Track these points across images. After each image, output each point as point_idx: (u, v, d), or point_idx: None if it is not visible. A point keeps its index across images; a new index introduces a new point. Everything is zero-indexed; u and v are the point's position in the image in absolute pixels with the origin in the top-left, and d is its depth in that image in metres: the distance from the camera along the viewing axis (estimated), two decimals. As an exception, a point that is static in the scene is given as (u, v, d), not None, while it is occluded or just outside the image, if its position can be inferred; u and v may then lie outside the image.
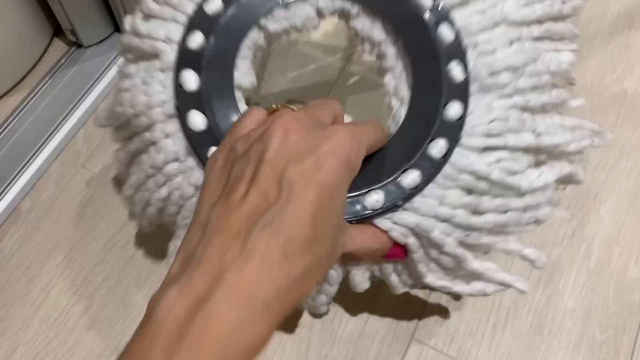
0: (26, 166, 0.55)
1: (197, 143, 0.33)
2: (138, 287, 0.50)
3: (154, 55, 0.34)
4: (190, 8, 0.34)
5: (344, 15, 0.36)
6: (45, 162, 0.55)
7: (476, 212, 0.33)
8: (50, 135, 0.56)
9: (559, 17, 0.37)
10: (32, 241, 0.52)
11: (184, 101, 0.33)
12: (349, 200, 0.31)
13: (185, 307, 0.22)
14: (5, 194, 0.53)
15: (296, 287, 0.23)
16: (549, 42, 0.37)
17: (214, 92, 0.33)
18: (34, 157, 0.55)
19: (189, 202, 0.34)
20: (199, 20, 0.34)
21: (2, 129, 0.57)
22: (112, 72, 0.60)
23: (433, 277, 0.36)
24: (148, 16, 0.35)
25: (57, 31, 0.63)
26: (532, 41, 0.35)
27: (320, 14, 0.36)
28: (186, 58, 0.33)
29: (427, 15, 0.34)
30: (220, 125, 0.33)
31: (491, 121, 0.33)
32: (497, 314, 0.49)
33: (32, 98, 0.59)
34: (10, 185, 0.54)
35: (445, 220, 0.32)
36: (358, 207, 0.31)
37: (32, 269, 0.51)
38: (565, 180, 0.38)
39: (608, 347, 0.48)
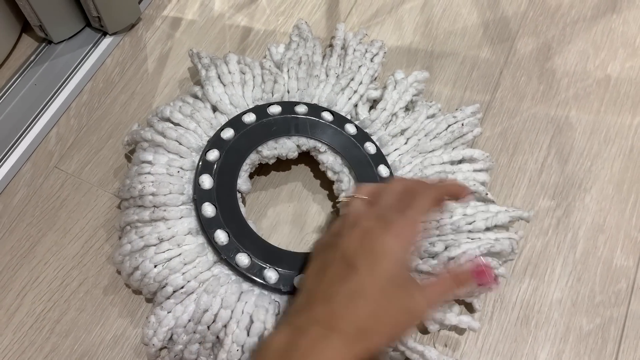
0: (-3, 168, 0.53)
1: (207, 225, 0.45)
2: (115, 290, 0.49)
3: (174, 153, 0.48)
4: (207, 125, 0.49)
5: (315, 150, 0.51)
6: (17, 163, 0.53)
7: None
8: (21, 135, 0.54)
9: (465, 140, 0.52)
10: (5, 246, 0.50)
11: (200, 195, 0.46)
12: None
13: (289, 339, 0.32)
14: (-24, 197, 0.52)
15: (370, 328, 0.33)
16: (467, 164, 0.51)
17: (222, 192, 0.46)
18: (4, 159, 0.53)
19: (173, 276, 0.44)
20: (216, 142, 0.48)
21: (-30, 130, 0.55)
22: (84, 69, 0.58)
23: None
24: (174, 123, 0.49)
25: (26, 27, 0.61)
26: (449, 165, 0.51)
27: (299, 148, 0.51)
28: (205, 166, 0.47)
29: (370, 159, 0.50)
30: (224, 215, 0.45)
31: None
32: (483, 306, 0.49)
33: (1, 97, 0.56)
34: (-19, 188, 0.52)
35: None
36: None
37: (5, 275, 0.49)
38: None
39: (595, 337, 0.48)
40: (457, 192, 0.39)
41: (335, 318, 0.32)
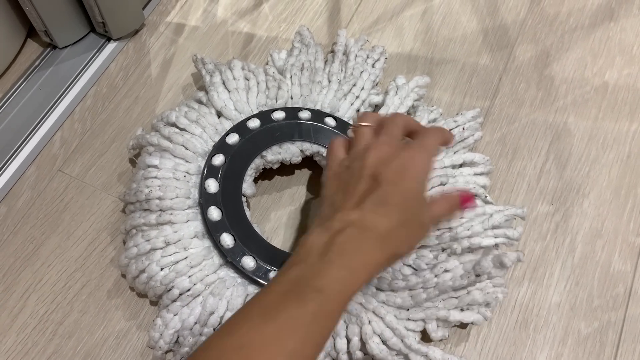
0: (1, 171, 0.53)
1: (213, 229, 0.46)
2: (118, 292, 0.49)
3: (181, 158, 0.49)
4: (212, 131, 0.50)
5: (318, 155, 0.52)
6: (21, 166, 0.54)
7: None
8: (25, 139, 0.55)
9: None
10: (9, 248, 0.51)
11: (206, 199, 0.47)
12: None
13: (327, 238, 0.35)
14: (-20, 200, 0.52)
15: (395, 233, 0.36)
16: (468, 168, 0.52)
17: (227, 196, 0.47)
18: (9, 162, 0.54)
19: (179, 279, 0.44)
20: (221, 147, 0.49)
21: (-25, 133, 0.56)
22: (89, 73, 0.59)
23: None
24: (180, 128, 0.50)
25: (31, 32, 0.62)
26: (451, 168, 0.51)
27: (303, 152, 0.51)
28: (211, 170, 0.48)
29: None
30: (230, 218, 0.46)
31: None
32: (482, 310, 0.49)
33: (6, 101, 0.57)
34: (-15, 191, 0.52)
35: None
36: None
37: (9, 277, 0.49)
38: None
39: (594, 341, 0.48)
40: (448, 139, 0.42)
41: (367, 221, 0.36)
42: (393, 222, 0.36)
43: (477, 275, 0.43)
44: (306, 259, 0.35)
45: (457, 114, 0.54)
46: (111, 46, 0.61)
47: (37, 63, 0.60)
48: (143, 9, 0.63)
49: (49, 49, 0.61)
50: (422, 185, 0.39)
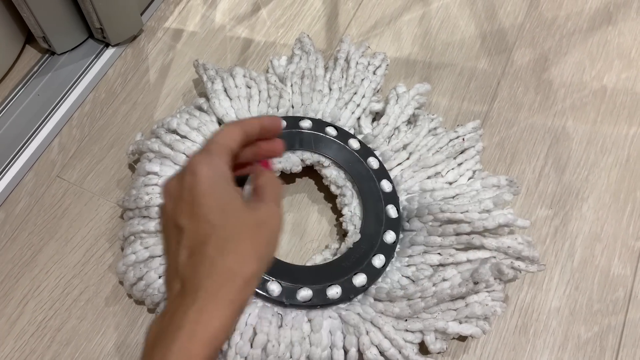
0: (-1, 177, 0.53)
1: None
2: (116, 299, 0.49)
3: (180, 165, 0.48)
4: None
5: (319, 164, 0.52)
6: (19, 172, 0.54)
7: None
8: (24, 145, 0.55)
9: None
10: (7, 255, 0.51)
11: None
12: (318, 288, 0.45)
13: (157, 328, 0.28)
14: (-22, 206, 0.52)
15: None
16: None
17: None
18: (7, 168, 0.54)
19: None
20: None
21: (-26, 140, 0.56)
22: (87, 79, 0.59)
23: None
24: (181, 136, 0.50)
25: (30, 38, 0.62)
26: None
27: (303, 162, 0.51)
28: None
29: (373, 173, 0.51)
30: None
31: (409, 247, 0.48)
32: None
33: (4, 107, 0.57)
34: (-17, 197, 0.52)
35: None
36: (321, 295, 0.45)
37: (7, 284, 0.49)
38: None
39: (594, 345, 0.48)
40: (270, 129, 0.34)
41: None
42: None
43: (476, 283, 0.42)
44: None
45: (458, 125, 0.54)
46: (109, 52, 0.61)
47: (35, 69, 0.60)
48: (141, 14, 0.63)
49: (47, 55, 0.61)
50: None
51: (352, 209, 0.50)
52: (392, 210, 0.49)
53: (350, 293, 0.46)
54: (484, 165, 0.56)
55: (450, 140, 0.52)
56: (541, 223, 0.53)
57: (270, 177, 0.34)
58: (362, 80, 0.55)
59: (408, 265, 0.47)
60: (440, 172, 0.51)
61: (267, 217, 0.30)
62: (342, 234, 0.50)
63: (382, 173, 0.51)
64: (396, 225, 0.49)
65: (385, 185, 0.50)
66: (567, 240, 0.52)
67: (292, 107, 0.53)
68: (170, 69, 0.61)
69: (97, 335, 0.48)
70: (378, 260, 0.46)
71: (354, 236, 0.48)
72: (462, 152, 0.52)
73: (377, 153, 0.52)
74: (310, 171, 0.54)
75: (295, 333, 0.43)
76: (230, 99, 0.52)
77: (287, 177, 0.55)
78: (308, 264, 0.49)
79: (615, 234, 0.53)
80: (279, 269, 0.45)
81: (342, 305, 0.46)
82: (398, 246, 0.48)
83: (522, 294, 0.50)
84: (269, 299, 0.44)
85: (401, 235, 0.49)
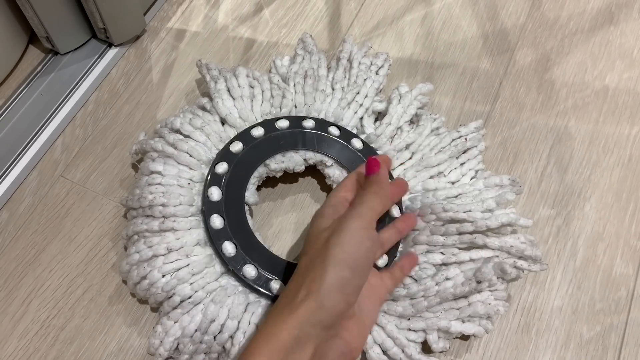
0: (3, 177, 0.53)
1: (215, 237, 0.46)
2: (120, 298, 0.49)
3: (185, 165, 0.49)
4: (217, 138, 0.50)
5: (322, 164, 0.52)
6: (23, 172, 0.54)
7: None
8: (27, 144, 0.55)
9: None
10: (10, 254, 0.51)
11: (209, 207, 0.47)
12: None
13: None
14: (-18, 206, 0.52)
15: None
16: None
17: (230, 204, 0.47)
18: (11, 167, 0.54)
19: (181, 286, 0.44)
20: (225, 155, 0.49)
21: (-23, 139, 0.56)
22: (90, 79, 0.59)
23: None
24: (185, 135, 0.50)
25: (33, 38, 0.62)
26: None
27: (306, 161, 0.51)
28: (214, 178, 0.48)
29: None
30: (232, 227, 0.46)
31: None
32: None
33: (8, 107, 0.57)
34: (-13, 197, 0.52)
35: None
36: None
37: (11, 282, 0.49)
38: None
39: (596, 345, 0.48)
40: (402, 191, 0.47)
41: None
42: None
43: (478, 282, 0.43)
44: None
45: (460, 124, 0.54)
46: (112, 52, 0.61)
47: (38, 69, 0.60)
48: (144, 14, 0.63)
49: (50, 55, 0.61)
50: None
51: None
52: (394, 210, 0.49)
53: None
54: (487, 164, 0.56)
55: (453, 140, 0.52)
56: (543, 222, 0.53)
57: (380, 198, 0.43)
58: (365, 80, 0.55)
59: None
60: (442, 172, 0.51)
61: None
62: (345, 234, 0.50)
63: None
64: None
65: None
66: (569, 239, 0.52)
67: (295, 106, 0.53)
68: (173, 68, 0.61)
69: (100, 334, 0.48)
70: (381, 260, 0.46)
71: None
72: (464, 152, 0.52)
73: (380, 153, 0.52)
74: (313, 171, 0.54)
75: None
76: (234, 99, 0.52)
77: (290, 177, 0.55)
78: None
79: (617, 234, 0.53)
80: (283, 268, 0.45)
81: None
82: (401, 245, 0.48)
83: (525, 293, 0.50)
84: (272, 298, 0.44)
85: None
